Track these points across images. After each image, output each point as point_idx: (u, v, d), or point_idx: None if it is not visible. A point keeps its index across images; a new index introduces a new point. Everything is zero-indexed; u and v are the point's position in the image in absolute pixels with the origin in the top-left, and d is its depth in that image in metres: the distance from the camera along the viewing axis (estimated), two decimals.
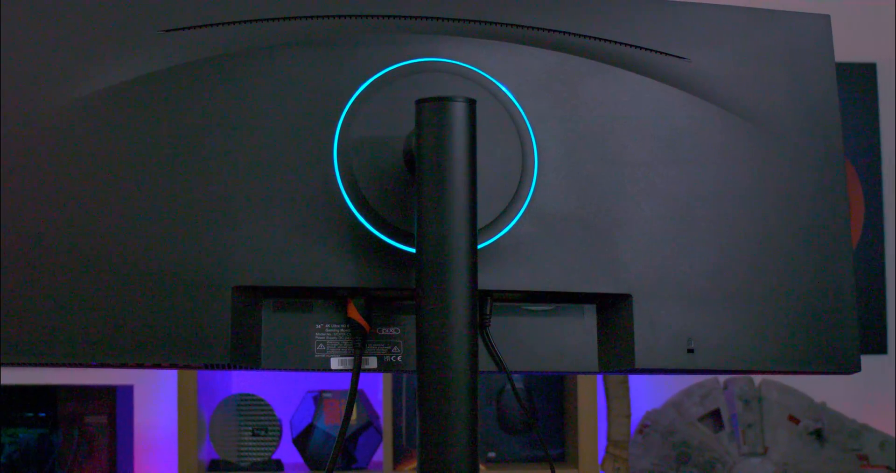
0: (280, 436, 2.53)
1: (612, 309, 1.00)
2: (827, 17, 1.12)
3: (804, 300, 1.02)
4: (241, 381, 2.83)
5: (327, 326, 0.96)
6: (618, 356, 0.99)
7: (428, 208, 0.87)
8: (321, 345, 0.96)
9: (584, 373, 1.01)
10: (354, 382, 0.94)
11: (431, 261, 0.86)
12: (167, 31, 0.96)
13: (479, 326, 0.94)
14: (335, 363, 0.96)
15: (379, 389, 2.73)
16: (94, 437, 2.56)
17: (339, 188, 0.93)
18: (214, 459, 2.53)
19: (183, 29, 0.96)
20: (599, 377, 2.53)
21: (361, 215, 0.93)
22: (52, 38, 0.95)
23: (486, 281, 0.95)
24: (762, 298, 1.01)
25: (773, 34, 1.09)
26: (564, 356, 1.00)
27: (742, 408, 2.73)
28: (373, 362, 0.97)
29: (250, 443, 2.52)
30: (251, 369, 0.94)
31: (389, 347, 0.97)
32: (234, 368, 0.93)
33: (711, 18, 1.07)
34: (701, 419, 2.74)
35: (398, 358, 0.97)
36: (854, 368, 1.03)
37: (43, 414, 2.55)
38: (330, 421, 2.50)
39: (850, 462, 2.69)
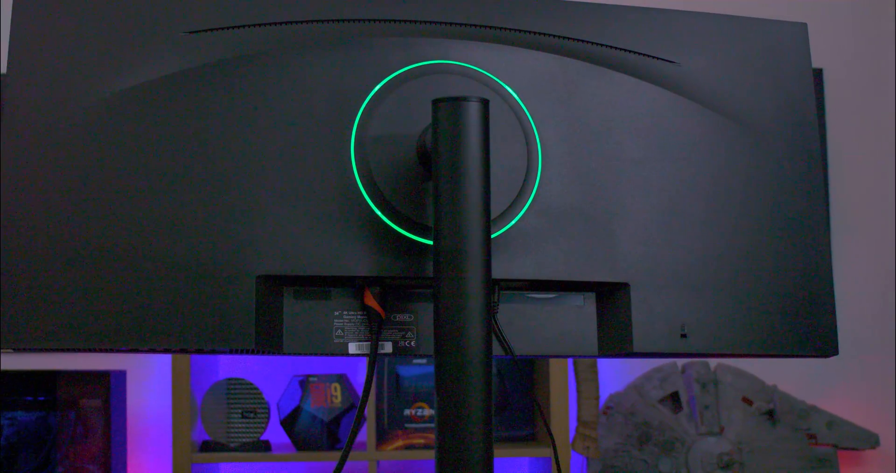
0: (268, 418, 2.51)
1: (610, 297, 1.00)
2: (804, 25, 1.13)
3: (787, 289, 1.03)
4: (230, 366, 2.81)
5: (345, 313, 0.96)
6: (616, 341, 0.99)
7: (445, 202, 0.86)
8: (339, 331, 0.96)
9: (584, 357, 1.01)
10: (371, 365, 0.93)
11: (448, 251, 0.86)
12: (191, 32, 0.95)
13: None
14: (352, 347, 0.96)
15: (362, 373, 2.72)
16: (89, 419, 2.53)
17: (356, 183, 0.93)
18: (206, 440, 2.51)
19: (206, 31, 0.95)
20: (570, 362, 2.53)
21: (377, 207, 0.93)
22: (82, 40, 0.94)
23: (495, 270, 0.95)
24: (748, 286, 1.02)
25: (754, 40, 1.09)
26: (566, 341, 1.00)
27: (699, 391, 2.74)
28: (388, 346, 0.96)
29: (240, 425, 2.51)
30: (274, 354, 0.94)
31: (404, 332, 0.97)
32: (258, 353, 0.93)
33: (699, 25, 1.08)
34: (661, 401, 2.76)
35: (412, 343, 0.97)
36: (832, 351, 1.04)
37: (42, 398, 2.53)
38: (316, 404, 2.49)
39: (799, 440, 2.71)
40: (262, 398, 2.52)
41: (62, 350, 0.89)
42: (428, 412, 2.52)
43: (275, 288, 0.93)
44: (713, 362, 2.79)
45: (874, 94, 3.06)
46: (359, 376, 2.75)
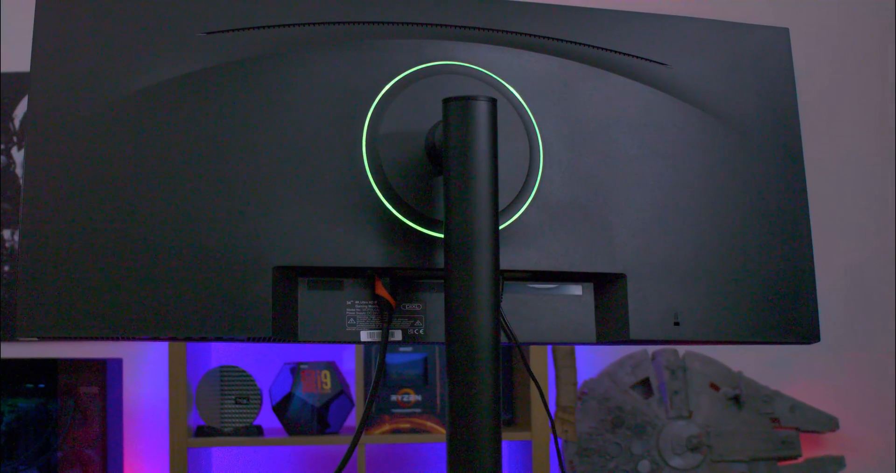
0: (260, 404, 2.51)
1: (608, 287, 1.00)
2: (786, 30, 1.14)
3: (772, 279, 1.04)
4: (223, 354, 2.80)
5: (357, 302, 0.96)
6: (613, 329, 1.00)
7: (455, 196, 0.87)
8: (351, 320, 0.95)
9: (583, 344, 1.02)
10: (382, 352, 0.93)
11: (459, 244, 0.86)
12: (209, 33, 0.94)
13: None
14: (364, 335, 0.95)
15: (351, 359, 2.72)
16: (87, 406, 2.52)
17: (367, 178, 0.93)
18: (201, 425, 2.50)
19: (223, 32, 0.95)
20: (549, 349, 2.54)
21: (388, 201, 0.93)
22: (103, 40, 0.93)
23: (500, 262, 0.95)
24: (736, 277, 1.03)
25: (740, 44, 1.10)
26: (565, 329, 1.00)
27: (669, 377, 2.76)
28: (398, 334, 0.96)
29: (233, 411, 2.50)
30: (289, 341, 0.93)
31: (413, 321, 0.97)
32: (275, 341, 0.92)
33: (688, 29, 1.08)
34: (633, 386, 2.77)
35: (421, 331, 0.97)
36: (814, 338, 1.05)
37: (41, 386, 2.50)
38: (307, 390, 2.49)
39: (764, 423, 2.74)
40: (255, 385, 2.51)
41: (82, 339, 0.89)
42: (413, 397, 2.52)
43: (290, 279, 0.93)
44: (682, 349, 2.81)
45: (841, 94, 3.08)
46: (347, 363, 2.75)
